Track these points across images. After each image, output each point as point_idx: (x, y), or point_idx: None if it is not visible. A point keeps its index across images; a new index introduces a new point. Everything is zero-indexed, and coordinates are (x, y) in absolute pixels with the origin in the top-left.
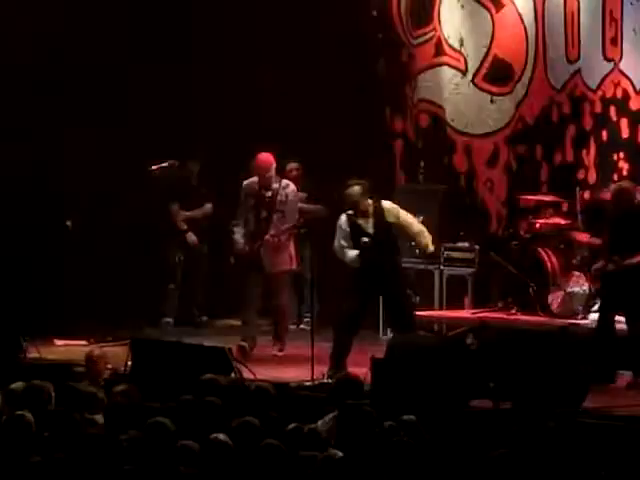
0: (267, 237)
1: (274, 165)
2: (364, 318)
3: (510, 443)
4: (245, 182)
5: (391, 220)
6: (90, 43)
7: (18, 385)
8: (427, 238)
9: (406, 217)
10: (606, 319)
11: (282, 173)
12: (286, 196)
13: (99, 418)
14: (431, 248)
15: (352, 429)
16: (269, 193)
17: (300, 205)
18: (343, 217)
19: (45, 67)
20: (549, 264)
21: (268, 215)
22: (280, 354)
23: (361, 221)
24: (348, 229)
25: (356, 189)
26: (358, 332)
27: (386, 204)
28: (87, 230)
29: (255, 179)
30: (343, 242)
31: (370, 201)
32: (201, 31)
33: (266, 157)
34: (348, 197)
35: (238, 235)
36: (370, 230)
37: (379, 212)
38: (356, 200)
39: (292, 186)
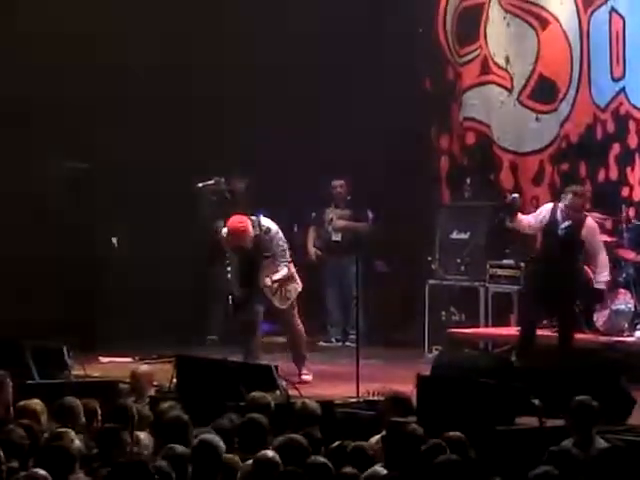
0: (267, 283)
1: (249, 229)
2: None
3: (556, 461)
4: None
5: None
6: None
7: (63, 402)
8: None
9: (594, 243)
10: None
11: (328, 190)
12: (270, 241)
13: (144, 436)
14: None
15: (399, 447)
16: (250, 245)
17: (343, 223)
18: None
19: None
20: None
21: (255, 264)
22: (309, 378)
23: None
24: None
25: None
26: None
27: (589, 221)
28: (133, 247)
29: None
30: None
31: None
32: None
33: (237, 224)
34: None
35: (231, 276)
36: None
37: (574, 225)
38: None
39: (273, 228)
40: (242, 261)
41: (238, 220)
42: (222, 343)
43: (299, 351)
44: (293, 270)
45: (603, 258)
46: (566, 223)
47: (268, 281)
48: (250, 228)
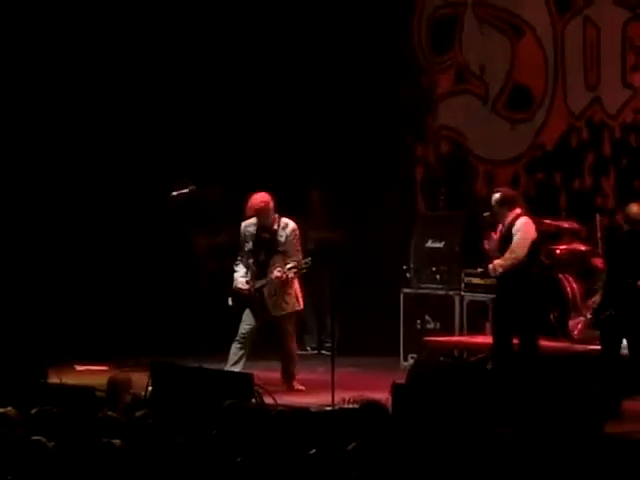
0: (276, 274)
1: (272, 205)
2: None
3: (533, 467)
4: (243, 223)
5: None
6: (114, 68)
7: (36, 410)
8: (499, 260)
9: (516, 238)
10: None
11: (304, 200)
12: (285, 237)
13: (118, 443)
14: (489, 268)
15: (374, 454)
16: (267, 235)
17: (317, 232)
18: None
19: (71, 97)
20: (569, 290)
21: (266, 258)
22: (302, 388)
23: (500, 226)
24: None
25: (495, 196)
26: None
27: (520, 221)
28: (108, 255)
29: (254, 220)
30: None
31: (511, 213)
32: (227, 62)
33: (261, 197)
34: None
35: (238, 274)
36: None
37: (509, 225)
38: (492, 207)
39: (291, 224)
40: (255, 254)
41: (260, 196)
42: (201, 351)
43: (288, 369)
44: (297, 287)
45: (513, 254)
46: (500, 227)
47: (277, 272)
48: (271, 204)
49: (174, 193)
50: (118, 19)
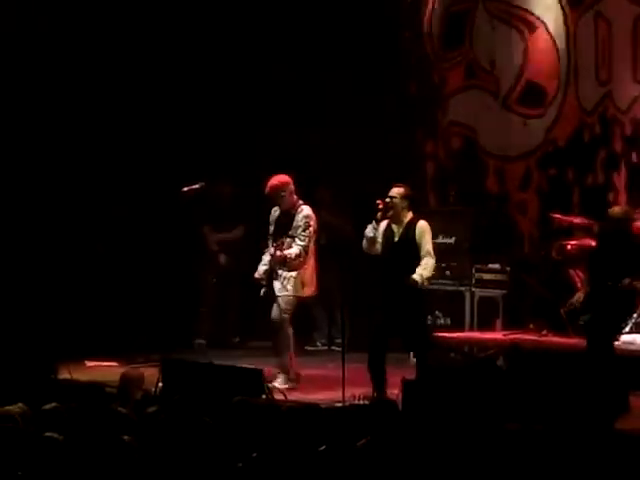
0: (271, 251)
1: (286, 187)
2: (392, 334)
3: (543, 464)
4: (273, 207)
5: (416, 238)
6: (124, 66)
7: (49, 406)
8: (422, 270)
9: (424, 242)
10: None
11: (313, 197)
12: (297, 222)
13: (128, 439)
14: (417, 280)
15: (384, 451)
16: (285, 219)
17: (329, 227)
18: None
19: (76, 93)
20: (580, 286)
21: (282, 242)
22: (279, 386)
23: (394, 227)
24: (383, 227)
25: (399, 189)
26: (386, 348)
27: (422, 222)
28: (118, 252)
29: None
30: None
31: (409, 213)
32: (234, 56)
33: (275, 178)
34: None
35: (261, 263)
36: (395, 238)
37: (411, 225)
38: (393, 197)
39: (305, 211)
40: (274, 239)
41: (274, 178)
42: (209, 346)
43: (281, 357)
44: (308, 274)
45: (429, 261)
46: (393, 226)
47: (273, 250)
48: (285, 186)
49: (184, 189)
50: (128, 15)
